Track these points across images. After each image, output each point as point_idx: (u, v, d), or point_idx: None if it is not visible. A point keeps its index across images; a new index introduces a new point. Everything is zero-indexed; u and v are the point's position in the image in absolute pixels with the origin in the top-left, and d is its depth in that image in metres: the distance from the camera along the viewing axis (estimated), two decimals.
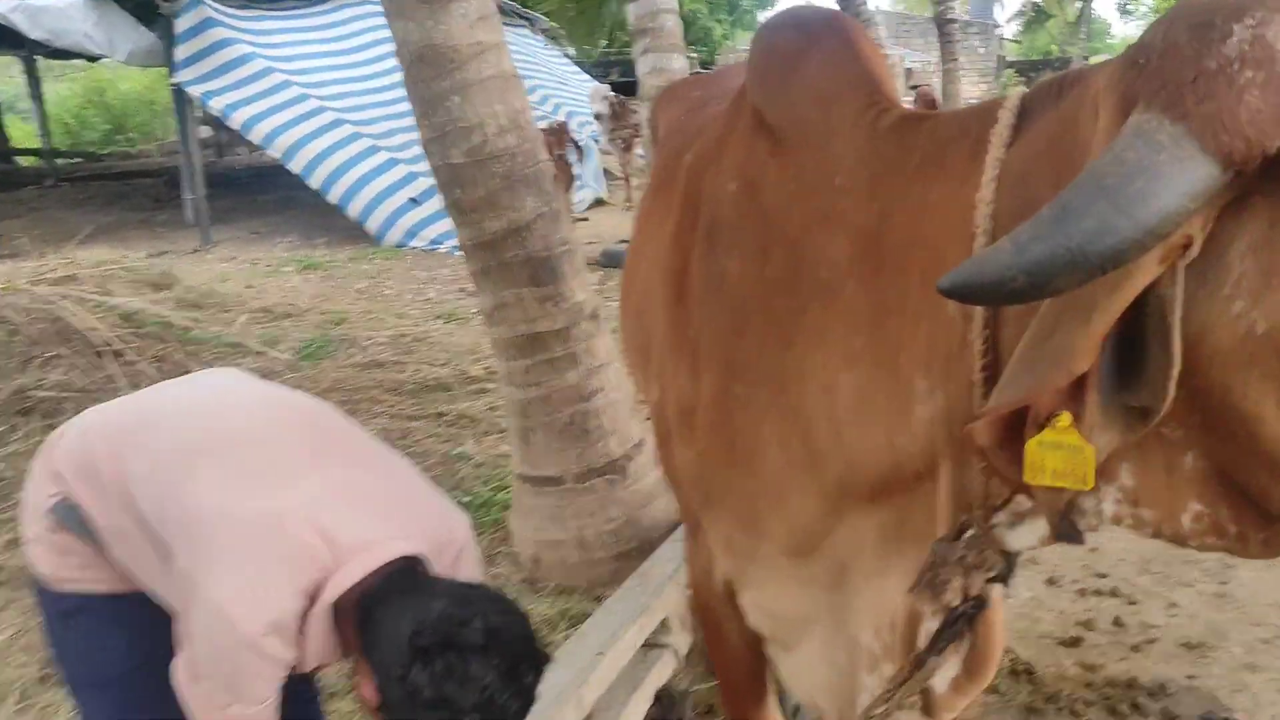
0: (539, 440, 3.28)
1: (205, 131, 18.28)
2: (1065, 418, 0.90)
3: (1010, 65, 32.87)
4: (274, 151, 10.47)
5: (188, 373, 5.82)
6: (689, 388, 1.44)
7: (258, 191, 14.63)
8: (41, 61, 16.44)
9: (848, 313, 1.23)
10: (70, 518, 1.59)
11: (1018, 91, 1.13)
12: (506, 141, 2.99)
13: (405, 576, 1.45)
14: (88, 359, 5.48)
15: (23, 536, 1.68)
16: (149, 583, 1.58)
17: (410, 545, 1.49)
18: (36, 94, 17.09)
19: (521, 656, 1.39)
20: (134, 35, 10.44)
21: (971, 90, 30.67)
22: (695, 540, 1.63)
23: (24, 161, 19.45)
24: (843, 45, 1.36)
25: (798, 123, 1.33)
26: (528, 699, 1.40)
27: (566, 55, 19.37)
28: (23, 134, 22.26)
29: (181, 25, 10.30)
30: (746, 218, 1.37)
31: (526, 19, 17.41)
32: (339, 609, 1.44)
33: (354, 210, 10.30)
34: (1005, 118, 1.08)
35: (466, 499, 3.89)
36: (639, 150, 12.02)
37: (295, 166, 10.39)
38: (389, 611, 1.38)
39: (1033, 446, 0.92)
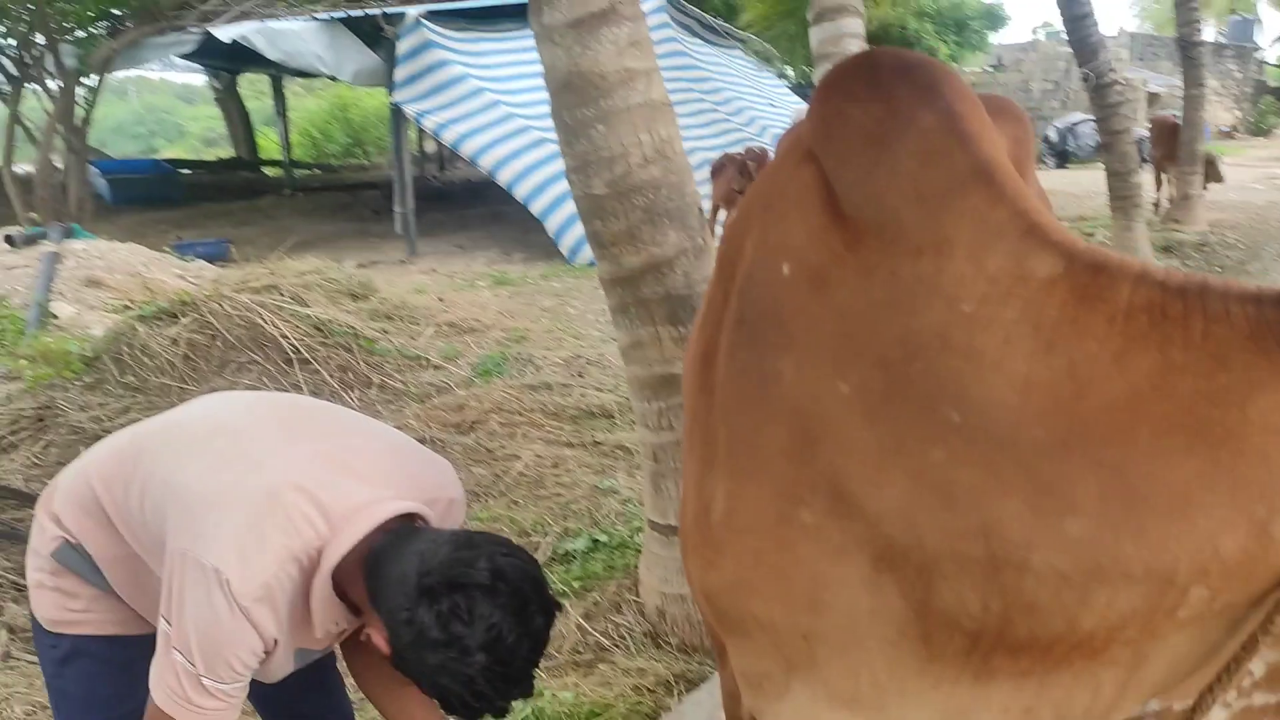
0: (670, 488, 3.10)
1: (432, 147, 19.36)
2: None
3: (1269, 91, 30.06)
4: (482, 166, 10.84)
5: (370, 383, 6.03)
6: (716, 500, 1.19)
7: (467, 206, 15.27)
8: (300, 80, 17.93)
9: (1024, 472, 0.99)
10: (71, 559, 1.56)
11: None
12: (650, 173, 2.84)
13: (407, 530, 1.46)
14: (278, 365, 5.75)
15: (28, 581, 1.65)
16: (151, 610, 1.52)
17: (404, 504, 1.49)
18: (280, 109, 18.70)
19: (529, 598, 1.38)
20: (360, 57, 11.11)
21: (1225, 116, 28.22)
22: (721, 661, 1.40)
23: (270, 172, 21.20)
24: (942, 122, 1.07)
25: (890, 220, 1.06)
26: (537, 642, 1.40)
27: (782, 77, 19.19)
28: (274, 146, 24.28)
29: (403, 48, 10.88)
30: (811, 317, 1.11)
31: (740, 40, 17.38)
32: (343, 572, 1.42)
33: (552, 226, 10.49)
34: None
35: (603, 537, 3.75)
36: None
37: (502, 179, 10.72)
38: (394, 560, 1.39)
39: None
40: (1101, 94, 8.73)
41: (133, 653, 1.55)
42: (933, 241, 1.03)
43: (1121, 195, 8.94)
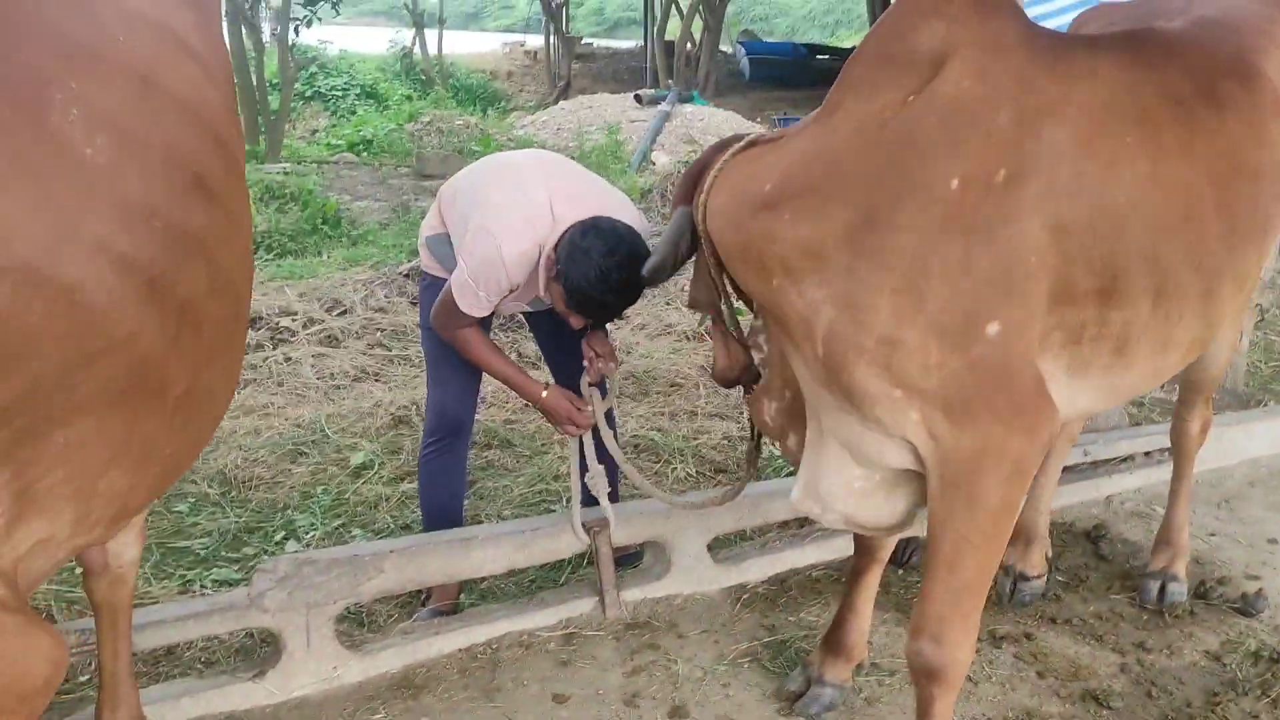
0: None
1: None
2: None
3: None
4: None
5: None
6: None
7: None
8: None
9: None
10: (438, 249, 2.89)
11: None
12: None
13: None
14: None
15: (419, 244, 2.99)
16: None
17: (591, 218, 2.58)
18: None
19: (633, 265, 2.38)
20: None
21: None
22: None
23: None
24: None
25: None
26: (630, 287, 2.47)
27: None
28: None
29: None
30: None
31: None
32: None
33: None
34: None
35: None
36: None
37: None
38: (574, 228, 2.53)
39: None
40: None
41: None
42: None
43: None
